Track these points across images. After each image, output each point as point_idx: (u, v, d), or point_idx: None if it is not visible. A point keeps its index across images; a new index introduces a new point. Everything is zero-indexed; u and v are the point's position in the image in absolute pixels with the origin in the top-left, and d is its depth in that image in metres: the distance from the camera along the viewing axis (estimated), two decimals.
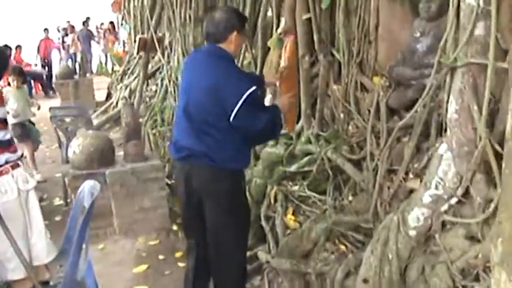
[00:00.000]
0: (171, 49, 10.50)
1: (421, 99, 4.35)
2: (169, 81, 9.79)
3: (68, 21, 22.74)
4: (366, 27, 5.63)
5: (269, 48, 6.35)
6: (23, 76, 9.28)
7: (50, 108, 8.93)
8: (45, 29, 20.84)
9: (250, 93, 3.82)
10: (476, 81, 3.72)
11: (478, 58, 3.67)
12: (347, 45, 5.76)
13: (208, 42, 4.20)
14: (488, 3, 3.55)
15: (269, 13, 6.65)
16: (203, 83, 3.98)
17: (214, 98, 3.88)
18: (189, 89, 4.14)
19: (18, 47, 19.28)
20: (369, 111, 5.38)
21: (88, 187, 4.04)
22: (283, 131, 4.89)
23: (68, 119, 8.64)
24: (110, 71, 19.78)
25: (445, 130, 4.01)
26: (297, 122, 5.77)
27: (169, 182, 7.36)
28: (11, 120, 8.81)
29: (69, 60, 21.67)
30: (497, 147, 3.55)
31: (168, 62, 10.15)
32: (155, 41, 9.76)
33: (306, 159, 5.92)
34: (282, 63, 4.92)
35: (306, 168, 5.89)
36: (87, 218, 3.77)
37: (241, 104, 3.80)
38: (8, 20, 21.47)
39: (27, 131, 8.87)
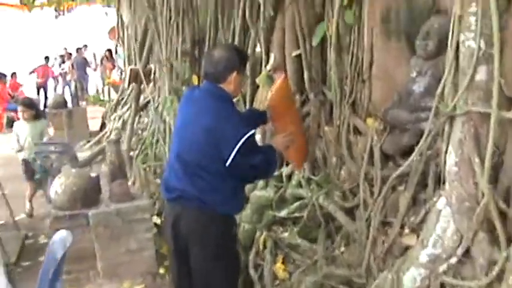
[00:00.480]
0: (154, 84, 10.31)
1: (418, 147, 4.00)
2: (155, 117, 9.52)
3: (65, 48, 22.59)
4: (359, 65, 5.27)
5: (258, 86, 6.10)
6: (34, 109, 9.03)
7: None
8: (46, 57, 20.68)
9: (248, 137, 3.72)
10: (477, 131, 3.44)
11: (479, 106, 3.38)
12: (339, 84, 5.40)
13: (206, 81, 4.01)
14: (491, 46, 3.27)
15: (258, 49, 6.36)
16: (200, 124, 3.84)
17: (211, 140, 3.76)
18: (184, 128, 4.01)
19: (14, 74, 19.10)
20: (362, 156, 5.04)
21: (60, 238, 3.92)
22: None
23: (53, 156, 8.33)
24: (106, 99, 19.61)
25: (444, 181, 3.73)
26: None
27: (158, 222, 7.04)
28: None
29: (67, 87, 21.52)
30: (502, 205, 3.31)
31: (159, 96, 9.90)
32: (140, 72, 9.48)
33: (296, 204, 5.66)
34: (267, 102, 4.74)
35: (296, 214, 5.63)
36: (58, 270, 3.64)
37: (239, 149, 3.69)
38: (6, 47, 21.24)
39: (30, 170, 8.66)
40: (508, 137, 3.37)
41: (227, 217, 4.07)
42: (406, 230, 4.21)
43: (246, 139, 3.71)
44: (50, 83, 21.60)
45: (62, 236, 3.94)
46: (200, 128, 3.82)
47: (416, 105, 4.61)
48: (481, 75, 3.35)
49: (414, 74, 4.69)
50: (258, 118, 4.59)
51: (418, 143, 4.49)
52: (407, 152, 4.64)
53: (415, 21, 5.10)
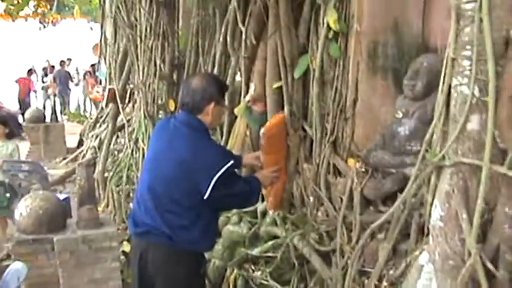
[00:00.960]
0: (133, 105, 10.13)
1: (402, 196, 3.74)
2: (129, 141, 9.27)
3: (48, 61, 22.28)
4: (343, 102, 5.04)
5: (236, 116, 5.81)
6: (7, 126, 8.20)
7: (4, 161, 8.24)
8: (30, 70, 20.34)
9: (227, 169, 3.55)
10: (467, 184, 3.17)
11: (470, 157, 3.13)
12: (321, 120, 5.17)
13: (182, 111, 3.80)
14: (485, 94, 3.04)
15: (238, 77, 6.13)
16: (173, 156, 3.63)
17: (186, 173, 3.56)
18: (155, 160, 3.80)
19: None
20: (341, 198, 4.78)
21: (15, 269, 3.79)
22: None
23: (21, 175, 7.99)
24: (87, 115, 19.38)
25: (427, 233, 3.47)
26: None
27: (127, 249, 6.80)
28: None
29: (48, 101, 21.20)
30: (490, 266, 3.03)
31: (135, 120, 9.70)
32: (118, 93, 9.25)
33: (270, 243, 5.43)
34: (261, 140, 4.66)
35: (270, 254, 5.39)
36: None
37: (217, 180, 3.49)
38: None
39: None
40: (499, 192, 3.10)
41: (197, 255, 3.83)
42: (385, 283, 3.94)
43: (225, 170, 3.52)
44: (32, 96, 21.21)
45: (16, 268, 3.80)
46: (174, 160, 3.61)
47: (401, 149, 4.39)
48: (473, 124, 3.10)
49: (400, 115, 4.46)
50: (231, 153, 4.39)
51: (401, 189, 4.28)
52: (389, 198, 4.43)
53: (403, 58, 4.95)
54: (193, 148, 3.60)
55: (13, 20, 19.45)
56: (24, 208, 5.77)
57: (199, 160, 3.56)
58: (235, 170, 3.93)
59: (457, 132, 3.12)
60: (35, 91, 21.37)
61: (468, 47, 3.09)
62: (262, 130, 4.57)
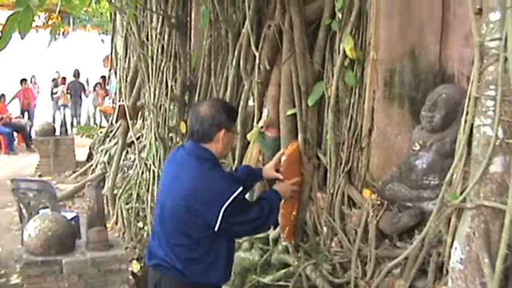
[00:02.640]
0: (143, 121, 10.06)
1: (420, 236, 3.62)
2: (139, 160, 9.20)
3: (58, 72, 22.23)
4: (358, 131, 4.97)
5: (248, 141, 5.80)
6: None
7: (13, 180, 8.21)
8: (23, 79, 20.23)
9: (235, 197, 3.34)
10: (488, 227, 3.07)
11: (492, 200, 3.02)
12: (335, 149, 5.09)
13: (191, 140, 3.65)
14: (510, 136, 2.95)
15: (250, 102, 6.04)
16: (179, 189, 3.49)
17: (192, 207, 3.41)
18: (165, 193, 3.68)
19: (2, 96, 18.72)
20: (356, 230, 4.68)
21: None
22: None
23: (30, 193, 7.95)
24: (96, 127, 19.34)
25: (446, 274, 3.40)
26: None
27: (136, 269, 6.72)
28: None
29: (57, 112, 21.11)
30: None
31: (145, 138, 9.63)
32: (128, 110, 9.20)
33: (282, 271, 5.31)
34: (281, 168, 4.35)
35: (281, 282, 5.25)
36: None
37: (225, 211, 3.33)
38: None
39: None
40: None
41: (211, 286, 3.69)
42: None
43: (234, 199, 3.35)
44: (37, 103, 21.06)
45: None
46: (180, 193, 3.48)
47: (418, 182, 4.29)
48: (496, 166, 3.00)
49: (417, 147, 4.37)
50: (253, 174, 4.19)
51: (418, 224, 4.18)
52: (405, 232, 4.32)
53: (420, 86, 4.91)
54: (199, 180, 3.48)
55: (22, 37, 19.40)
56: (32, 229, 5.71)
57: (206, 192, 3.43)
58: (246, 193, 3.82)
59: (479, 174, 3.02)
60: (35, 98, 21.14)
61: (492, 86, 2.99)
62: (283, 158, 4.46)
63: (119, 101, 12.00)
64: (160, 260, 3.61)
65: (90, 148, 14.77)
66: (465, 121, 3.18)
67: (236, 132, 4.51)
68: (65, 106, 20.92)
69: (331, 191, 5.09)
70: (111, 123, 14.01)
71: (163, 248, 3.60)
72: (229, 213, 3.34)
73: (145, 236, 7.86)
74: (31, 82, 21.03)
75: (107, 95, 20.30)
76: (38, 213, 6.62)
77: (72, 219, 6.82)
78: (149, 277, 3.87)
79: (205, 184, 3.45)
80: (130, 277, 6.29)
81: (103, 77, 21.24)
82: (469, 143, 3.17)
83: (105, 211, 7.86)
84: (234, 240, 3.85)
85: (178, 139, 7.79)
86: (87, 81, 22.87)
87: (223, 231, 3.41)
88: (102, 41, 20.15)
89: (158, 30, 7.90)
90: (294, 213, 4.58)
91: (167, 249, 3.57)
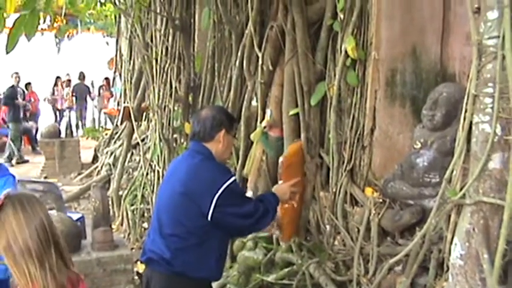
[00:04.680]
0: (148, 122, 10.07)
1: (421, 232, 3.65)
2: (144, 161, 9.24)
3: (68, 74, 22.23)
4: (360, 130, 5.01)
5: (252, 141, 5.83)
6: None
7: (18, 181, 8.24)
8: (27, 83, 20.22)
9: (228, 186, 3.43)
10: (488, 223, 3.10)
11: (491, 197, 3.06)
12: (338, 148, 5.13)
13: (192, 141, 3.76)
14: (508, 133, 2.98)
15: (254, 102, 6.07)
16: (176, 179, 3.60)
17: (187, 195, 3.48)
18: (163, 187, 3.82)
19: (29, 84, 18.76)
20: (358, 228, 4.71)
21: None
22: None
23: (36, 195, 7.94)
24: (101, 129, 19.33)
25: (447, 270, 3.42)
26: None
27: (140, 270, 6.74)
28: None
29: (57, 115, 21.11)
30: None
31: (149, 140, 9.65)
32: (131, 111, 9.24)
33: (286, 270, 5.32)
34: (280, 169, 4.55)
35: (285, 281, 5.27)
36: None
37: (218, 199, 3.38)
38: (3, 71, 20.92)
39: None
40: None
41: (201, 282, 3.66)
42: None
43: (227, 187, 3.43)
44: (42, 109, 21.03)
45: None
46: (176, 184, 3.58)
47: (419, 180, 4.31)
48: (495, 162, 3.04)
49: (418, 146, 4.40)
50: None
51: (419, 221, 4.21)
52: (406, 229, 4.36)
53: (421, 85, 4.92)
54: (193, 171, 3.57)
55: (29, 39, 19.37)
56: None
57: (200, 181, 3.52)
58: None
59: (478, 171, 3.06)
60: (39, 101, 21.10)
61: (490, 84, 3.03)
62: (281, 159, 4.49)
63: (124, 103, 12.02)
64: (151, 254, 3.62)
65: (95, 150, 14.77)
66: (464, 118, 3.22)
67: (235, 138, 4.55)
68: (70, 108, 20.89)
69: (334, 190, 5.13)
70: (116, 125, 14.03)
71: (156, 240, 3.62)
72: (222, 201, 3.40)
73: None
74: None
75: (111, 97, 20.30)
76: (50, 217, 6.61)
77: (77, 220, 6.83)
78: (143, 274, 3.90)
79: (199, 174, 3.53)
80: (136, 277, 6.32)
81: (106, 79, 21.21)
82: (469, 140, 3.20)
83: (111, 212, 7.89)
84: (228, 240, 3.88)
85: (182, 140, 7.80)
86: (92, 83, 22.86)
87: (216, 222, 3.45)
88: (107, 43, 20.16)
89: (162, 32, 7.93)
90: (293, 214, 4.61)
91: (159, 240, 3.58)
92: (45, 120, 18.83)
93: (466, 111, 3.22)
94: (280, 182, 4.55)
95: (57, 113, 20.87)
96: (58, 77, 21.23)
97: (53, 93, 20.81)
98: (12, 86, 15.74)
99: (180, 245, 3.51)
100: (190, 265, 3.54)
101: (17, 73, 15.93)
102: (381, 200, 4.64)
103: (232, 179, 3.52)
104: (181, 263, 3.52)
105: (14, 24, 4.52)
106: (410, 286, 3.98)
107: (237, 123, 4.14)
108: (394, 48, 4.88)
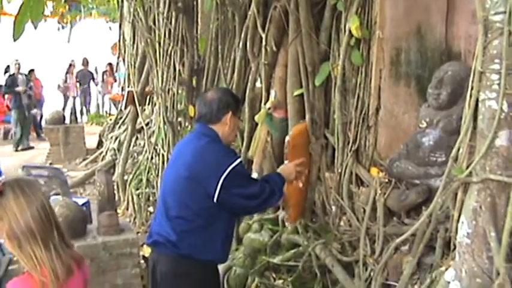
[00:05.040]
0: (152, 106, 10.04)
1: (427, 211, 3.63)
2: (148, 145, 9.23)
3: (72, 60, 22.17)
4: (365, 110, 4.98)
5: (256, 123, 5.80)
6: None
7: (23, 167, 8.26)
8: (31, 70, 20.15)
9: (234, 167, 3.46)
10: (495, 201, 3.07)
11: (498, 174, 3.02)
12: (343, 128, 5.10)
13: (198, 123, 3.77)
14: None
15: (258, 84, 6.03)
16: (181, 163, 3.62)
17: (193, 177, 3.50)
18: (168, 170, 3.83)
19: (32, 70, 18.71)
20: (364, 209, 4.70)
21: None
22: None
23: (41, 180, 7.98)
24: (106, 115, 19.33)
25: (453, 249, 3.39)
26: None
27: (146, 254, 6.76)
28: None
29: (69, 101, 21.07)
30: None
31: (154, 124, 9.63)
32: (135, 95, 9.26)
33: (292, 251, 5.32)
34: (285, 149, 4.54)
35: (291, 262, 5.27)
36: None
37: (224, 180, 3.42)
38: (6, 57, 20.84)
39: None
40: None
41: (206, 266, 3.69)
42: None
43: (233, 168, 3.45)
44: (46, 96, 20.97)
45: None
46: (182, 166, 3.58)
47: (425, 159, 4.28)
48: (501, 140, 3.00)
49: (424, 125, 4.36)
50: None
51: (425, 200, 4.19)
52: (412, 209, 4.34)
53: (427, 64, 4.89)
54: (199, 153, 3.57)
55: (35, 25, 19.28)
56: None
57: (206, 163, 3.52)
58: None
59: (485, 148, 3.02)
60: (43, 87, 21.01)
61: (497, 60, 2.99)
62: (287, 138, 4.46)
63: (128, 87, 11.99)
64: (157, 236, 3.64)
65: (100, 135, 14.78)
66: (470, 96, 3.18)
67: (241, 120, 4.52)
68: (74, 96, 20.86)
69: (339, 170, 5.11)
70: (121, 109, 14.04)
71: (161, 223, 3.64)
72: (227, 183, 3.42)
73: None
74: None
75: (115, 82, 20.27)
76: (49, 199, 6.63)
77: (83, 205, 6.84)
78: (149, 257, 3.97)
79: (205, 156, 3.54)
80: (142, 261, 6.33)
81: (110, 64, 21.17)
82: (475, 118, 3.17)
83: (116, 197, 7.90)
84: (234, 222, 3.90)
85: (186, 123, 7.78)
86: (96, 69, 22.83)
87: (222, 203, 3.47)
88: (110, 28, 20.11)
89: (165, 15, 7.85)
90: (299, 195, 4.58)
91: (166, 223, 3.60)
92: (52, 107, 18.82)
93: (472, 88, 3.17)
94: (286, 162, 4.53)
95: (68, 101, 20.81)
96: (71, 64, 21.15)
97: (66, 81, 20.79)
98: (13, 74, 15.71)
99: (186, 227, 3.53)
100: (196, 247, 3.55)
101: (17, 60, 15.88)
102: (386, 180, 4.62)
103: (238, 160, 3.52)
104: (187, 245, 3.53)
105: (19, 10, 4.50)
106: (417, 266, 3.95)
107: (242, 104, 4.10)
108: (398, 27, 4.84)
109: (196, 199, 3.50)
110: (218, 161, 3.50)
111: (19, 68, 15.82)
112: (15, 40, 4.56)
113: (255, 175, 5.48)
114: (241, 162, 3.59)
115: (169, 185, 3.67)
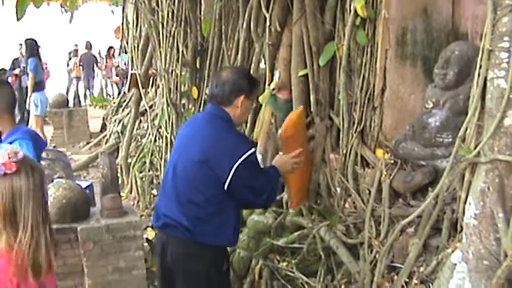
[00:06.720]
0: (156, 89, 10.00)
1: (434, 192, 3.59)
2: (152, 128, 9.20)
3: (76, 44, 22.13)
4: (371, 90, 4.92)
5: (261, 104, 5.74)
6: None
7: None
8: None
9: (248, 156, 3.46)
10: (503, 181, 3.04)
11: (507, 154, 2.98)
12: (348, 109, 5.04)
13: (210, 103, 3.74)
14: None
15: (262, 65, 5.98)
16: (194, 147, 3.58)
17: (207, 162, 3.49)
18: (179, 152, 3.76)
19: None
20: (369, 190, 4.65)
21: None
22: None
23: (44, 162, 7.96)
24: (109, 99, 19.32)
25: (460, 230, 3.37)
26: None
27: (150, 237, 6.73)
28: None
29: (72, 85, 21.08)
30: None
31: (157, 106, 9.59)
32: (139, 78, 9.24)
33: (296, 234, 5.29)
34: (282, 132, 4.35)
35: (295, 244, 5.26)
36: None
37: (237, 168, 3.42)
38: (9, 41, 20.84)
39: None
40: None
41: (218, 249, 3.70)
42: (415, 280, 3.81)
43: (245, 158, 3.43)
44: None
45: None
46: (196, 150, 3.54)
47: (431, 140, 4.24)
48: (510, 119, 2.96)
49: (430, 105, 4.32)
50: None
51: (431, 182, 4.14)
52: (418, 191, 4.30)
53: (433, 44, 4.84)
54: (214, 138, 3.55)
55: (37, 6, 19.23)
56: (47, 197, 5.74)
57: (220, 150, 3.49)
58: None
59: (493, 128, 2.98)
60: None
61: (506, 38, 2.94)
62: (279, 131, 4.37)
63: (131, 70, 11.96)
64: (167, 219, 3.64)
65: (103, 118, 14.75)
66: (479, 75, 3.13)
67: (254, 102, 4.45)
68: (78, 78, 20.85)
69: (344, 152, 5.06)
70: (124, 92, 14.00)
71: (172, 207, 3.64)
72: (240, 171, 3.41)
73: None
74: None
75: (119, 66, 20.22)
76: (52, 182, 6.66)
77: (86, 187, 6.80)
78: (156, 239, 4.03)
79: (220, 143, 3.51)
80: (145, 244, 6.32)
81: (112, 47, 21.18)
82: (483, 97, 3.13)
83: (120, 180, 7.88)
84: (241, 210, 3.93)
85: (190, 105, 7.74)
86: (99, 53, 22.81)
87: (232, 191, 3.47)
88: (112, 12, 20.01)
89: None
90: (300, 183, 4.51)
91: (177, 207, 3.60)
92: (54, 90, 18.81)
93: (480, 67, 3.13)
94: (280, 153, 4.45)
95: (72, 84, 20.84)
96: (76, 49, 21.18)
97: (68, 65, 20.84)
98: (17, 58, 15.73)
99: (198, 213, 3.54)
100: (209, 235, 3.57)
101: (21, 45, 15.90)
102: (392, 161, 4.58)
103: (252, 150, 3.52)
104: (200, 232, 3.55)
105: None
106: (423, 247, 3.93)
107: (258, 87, 4.03)
108: (404, 6, 4.77)
109: (208, 185, 3.50)
110: (233, 148, 3.49)
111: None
112: (18, 20, 4.55)
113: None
114: (255, 152, 3.58)
115: (182, 169, 3.63)
